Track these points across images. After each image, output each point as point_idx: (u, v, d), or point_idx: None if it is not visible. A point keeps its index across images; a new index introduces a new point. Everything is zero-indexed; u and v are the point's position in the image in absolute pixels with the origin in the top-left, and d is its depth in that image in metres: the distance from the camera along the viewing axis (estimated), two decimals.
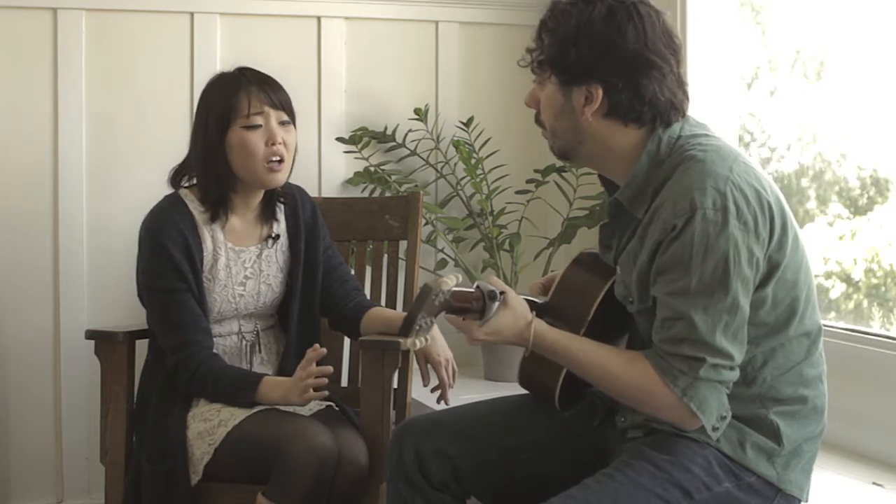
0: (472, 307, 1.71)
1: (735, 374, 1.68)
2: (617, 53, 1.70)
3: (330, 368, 2.25)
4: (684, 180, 1.66)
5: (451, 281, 1.65)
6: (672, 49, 1.74)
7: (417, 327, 1.64)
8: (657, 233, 1.67)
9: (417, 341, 1.66)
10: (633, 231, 1.77)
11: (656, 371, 1.68)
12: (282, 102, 2.38)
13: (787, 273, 1.70)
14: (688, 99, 1.78)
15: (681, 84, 1.76)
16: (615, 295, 1.82)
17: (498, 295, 1.72)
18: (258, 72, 2.42)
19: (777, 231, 1.67)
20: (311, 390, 2.21)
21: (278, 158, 2.35)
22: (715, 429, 1.70)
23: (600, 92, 1.71)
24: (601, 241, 1.89)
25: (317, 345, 2.26)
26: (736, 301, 1.63)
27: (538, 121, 1.84)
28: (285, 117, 2.39)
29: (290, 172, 2.42)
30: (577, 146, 1.79)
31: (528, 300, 1.83)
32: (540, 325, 1.76)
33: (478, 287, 1.72)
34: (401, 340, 2.30)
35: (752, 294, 1.67)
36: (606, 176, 1.86)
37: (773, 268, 1.68)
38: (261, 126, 2.34)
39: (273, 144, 2.34)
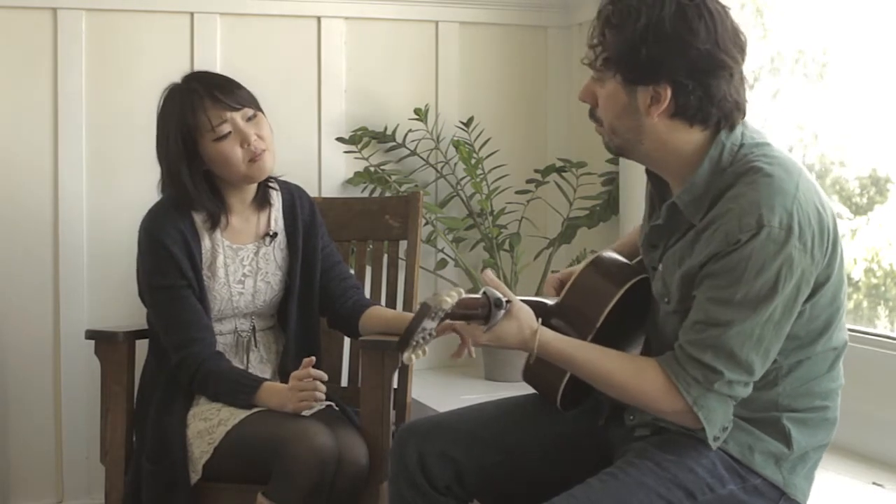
0: (477, 314, 1.70)
1: (747, 392, 1.67)
2: (688, 54, 1.63)
3: (324, 375, 2.26)
4: (751, 194, 1.62)
5: (451, 299, 1.62)
6: (740, 47, 1.69)
7: (415, 343, 1.64)
8: (716, 244, 1.63)
9: (413, 356, 1.66)
10: (683, 233, 1.73)
11: (669, 376, 1.66)
12: (240, 101, 2.35)
13: (829, 291, 1.68)
14: (747, 99, 1.73)
15: (744, 82, 1.71)
16: (652, 292, 1.80)
17: (504, 304, 1.71)
18: (208, 77, 2.40)
19: (829, 252, 1.65)
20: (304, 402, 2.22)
21: (259, 151, 2.34)
22: (716, 439, 1.69)
23: (669, 92, 1.65)
24: (648, 240, 1.83)
25: (313, 358, 2.27)
26: (773, 317, 1.61)
27: (593, 116, 1.78)
28: (250, 112, 2.36)
29: (275, 156, 2.39)
30: (636, 145, 1.73)
31: (538, 302, 1.81)
32: (545, 335, 1.74)
33: (484, 293, 1.71)
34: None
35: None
36: (662, 175, 1.80)
37: (818, 286, 1.66)
38: (230, 132, 2.33)
39: (248, 145, 2.33)
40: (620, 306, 1.81)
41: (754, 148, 1.69)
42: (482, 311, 1.70)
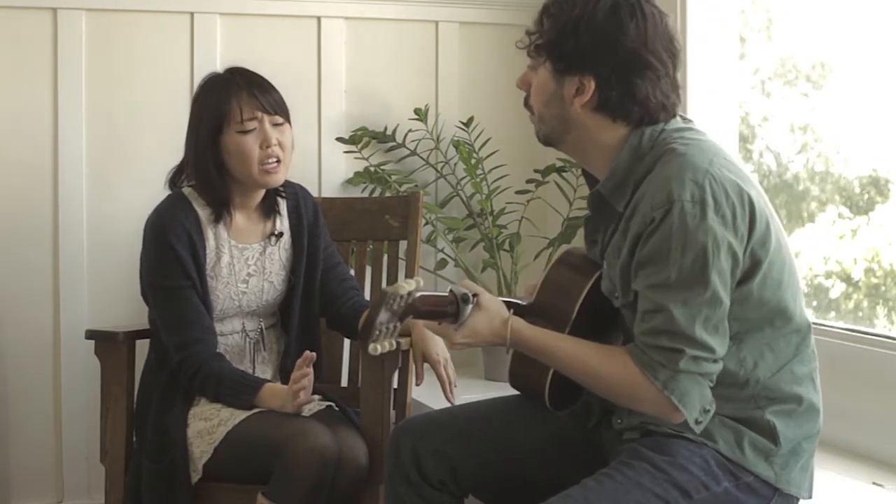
0: (446, 311, 1.71)
1: (718, 367, 1.67)
2: (615, 49, 1.69)
3: (310, 370, 2.25)
4: (663, 172, 1.66)
5: (409, 285, 1.61)
6: (671, 52, 1.73)
7: (377, 332, 1.61)
8: (637, 226, 1.67)
9: (379, 346, 1.63)
10: (616, 225, 1.76)
11: (637, 365, 1.67)
12: (274, 105, 2.38)
13: (773, 272, 1.69)
14: (680, 102, 1.77)
15: (675, 88, 1.76)
16: (601, 290, 1.81)
17: (471, 298, 1.72)
18: (249, 74, 2.42)
19: (758, 226, 1.66)
20: (301, 395, 2.23)
21: (274, 160, 2.36)
22: (698, 422, 1.69)
23: (592, 85, 1.71)
24: (587, 236, 1.89)
25: (307, 352, 2.27)
26: (715, 294, 1.63)
27: (527, 104, 1.83)
28: (279, 119, 2.39)
29: (288, 170, 2.42)
30: (562, 134, 1.78)
31: (509, 302, 1.83)
32: (517, 323, 1.75)
33: (451, 291, 1.72)
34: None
35: (736, 289, 1.66)
36: (588, 169, 1.86)
37: (756, 263, 1.67)
38: (255, 129, 2.35)
39: (268, 147, 2.35)
40: (592, 299, 1.81)
41: (674, 132, 1.73)
42: (451, 309, 1.71)
